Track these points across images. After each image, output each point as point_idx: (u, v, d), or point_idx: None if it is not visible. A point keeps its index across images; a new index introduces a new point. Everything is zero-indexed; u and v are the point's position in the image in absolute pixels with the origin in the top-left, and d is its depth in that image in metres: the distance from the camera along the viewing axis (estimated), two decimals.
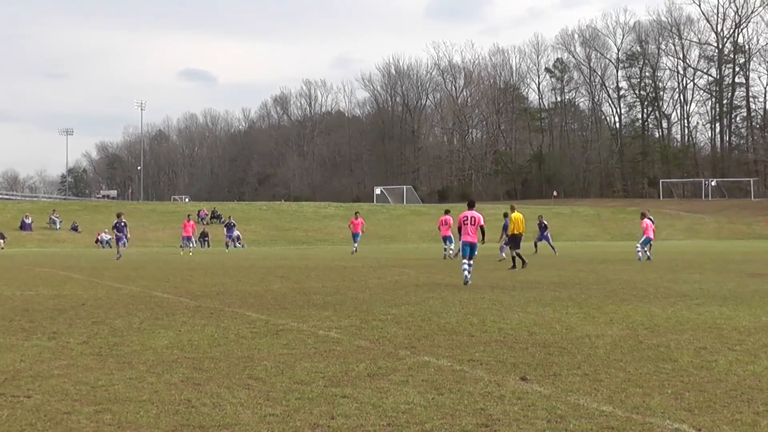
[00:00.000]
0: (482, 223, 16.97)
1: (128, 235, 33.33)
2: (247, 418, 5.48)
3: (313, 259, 29.75)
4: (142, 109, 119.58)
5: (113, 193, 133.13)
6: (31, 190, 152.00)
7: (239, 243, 48.06)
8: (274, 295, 14.50)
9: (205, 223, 60.90)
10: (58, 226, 55.87)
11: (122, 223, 32.42)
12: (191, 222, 38.48)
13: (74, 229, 55.87)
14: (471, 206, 17.23)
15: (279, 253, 37.49)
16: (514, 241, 22.70)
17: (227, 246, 44.57)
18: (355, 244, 34.72)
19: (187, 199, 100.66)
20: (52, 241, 52.68)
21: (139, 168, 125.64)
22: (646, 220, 28.51)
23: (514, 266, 22.06)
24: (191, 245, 37.95)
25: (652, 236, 28.16)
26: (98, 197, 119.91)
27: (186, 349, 8.36)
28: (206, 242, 53.30)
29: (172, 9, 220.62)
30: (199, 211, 63.55)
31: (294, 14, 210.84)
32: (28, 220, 55.10)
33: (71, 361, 7.70)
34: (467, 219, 16.93)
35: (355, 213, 37.47)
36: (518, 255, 22.03)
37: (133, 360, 7.75)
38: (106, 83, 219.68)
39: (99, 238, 51.35)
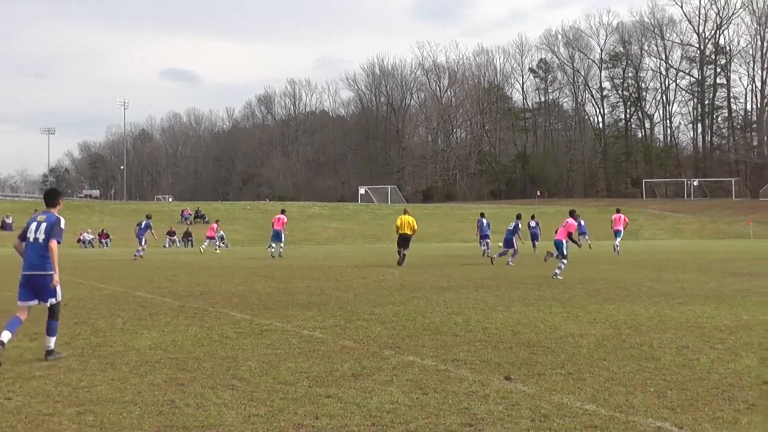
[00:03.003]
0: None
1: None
2: (231, 419, 5.46)
3: (297, 259, 29.69)
4: (125, 109, 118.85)
5: (96, 192, 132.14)
6: (12, 189, 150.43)
7: (222, 243, 47.85)
8: (259, 295, 14.46)
9: (188, 222, 60.72)
10: None
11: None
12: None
13: None
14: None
15: (263, 253, 37.37)
16: (403, 240, 24.46)
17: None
18: (279, 246, 31.28)
19: (170, 199, 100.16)
20: None
21: (122, 167, 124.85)
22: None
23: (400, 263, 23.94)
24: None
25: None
26: (80, 197, 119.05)
27: (169, 350, 8.32)
28: (189, 242, 53.09)
29: (156, 8, 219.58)
30: (182, 211, 63.32)
31: (278, 14, 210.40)
32: (9, 220, 54.63)
33: (53, 362, 7.64)
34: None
35: (281, 210, 33.49)
36: (403, 254, 23.96)
37: (116, 361, 7.70)
38: (89, 82, 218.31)
39: (81, 237, 51.00)
